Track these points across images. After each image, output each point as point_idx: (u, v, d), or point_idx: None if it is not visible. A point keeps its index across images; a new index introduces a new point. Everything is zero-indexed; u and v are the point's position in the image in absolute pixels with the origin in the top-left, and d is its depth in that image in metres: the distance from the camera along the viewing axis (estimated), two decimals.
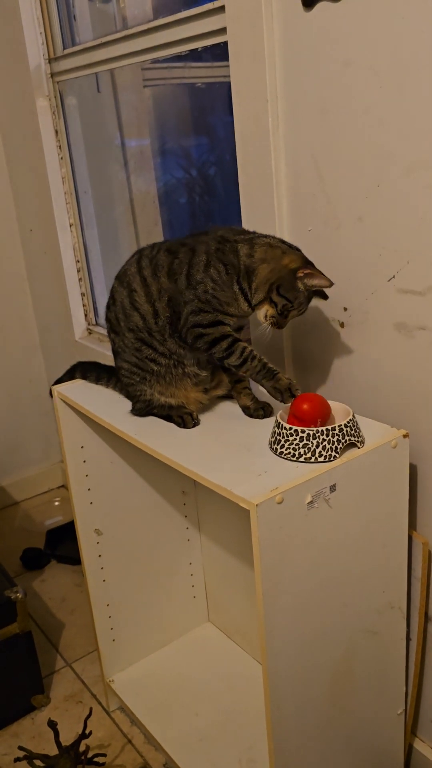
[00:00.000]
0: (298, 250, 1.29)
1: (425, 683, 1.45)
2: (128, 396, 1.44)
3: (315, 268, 1.26)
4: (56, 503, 2.85)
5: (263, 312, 1.28)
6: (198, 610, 1.95)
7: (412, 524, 1.35)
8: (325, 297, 1.31)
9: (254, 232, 1.32)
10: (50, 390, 1.61)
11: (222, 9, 1.43)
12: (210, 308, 1.27)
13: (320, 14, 1.23)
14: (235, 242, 1.27)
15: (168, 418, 1.37)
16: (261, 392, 1.43)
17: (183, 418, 1.35)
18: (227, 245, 1.27)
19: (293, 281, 1.25)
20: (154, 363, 1.36)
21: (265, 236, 1.29)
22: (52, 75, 2.18)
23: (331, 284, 1.25)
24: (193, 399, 1.37)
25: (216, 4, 1.47)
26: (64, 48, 2.15)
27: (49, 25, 2.15)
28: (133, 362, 1.38)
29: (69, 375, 1.62)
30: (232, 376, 1.37)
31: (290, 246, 1.28)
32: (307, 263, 1.26)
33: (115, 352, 1.44)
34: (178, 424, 1.35)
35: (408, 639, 1.40)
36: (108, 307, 1.42)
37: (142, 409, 1.40)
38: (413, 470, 1.32)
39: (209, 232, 1.32)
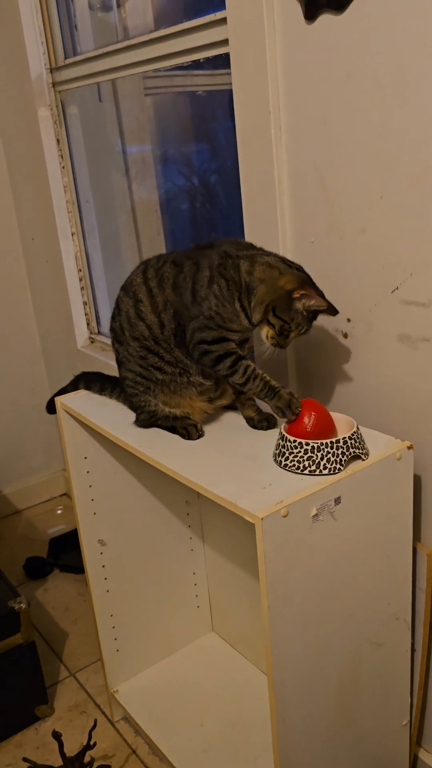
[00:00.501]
0: (299, 269, 1.27)
1: (430, 694, 1.45)
2: (132, 407, 1.44)
3: (312, 288, 1.25)
4: (59, 511, 2.85)
5: (264, 332, 1.28)
6: (202, 620, 1.94)
7: (417, 535, 1.35)
8: (333, 313, 1.29)
9: (258, 249, 1.31)
10: (48, 403, 1.61)
11: (224, 21, 1.43)
12: (214, 324, 1.27)
13: (322, 26, 1.23)
14: (237, 258, 1.27)
15: (172, 429, 1.37)
16: (262, 404, 1.43)
17: (187, 429, 1.35)
18: (229, 261, 1.27)
19: (289, 302, 1.24)
20: (160, 371, 1.36)
21: (267, 254, 1.28)
22: (54, 84, 2.19)
23: (327, 305, 1.24)
24: (197, 408, 1.37)
25: (218, 16, 1.47)
26: (66, 58, 2.16)
27: (51, 35, 2.16)
28: (137, 372, 1.38)
29: (73, 385, 1.62)
30: (236, 387, 1.36)
31: (290, 265, 1.27)
32: (304, 284, 1.24)
33: (119, 362, 1.43)
34: (183, 436, 1.35)
35: (413, 650, 1.40)
36: (113, 317, 1.42)
37: (146, 420, 1.40)
38: (417, 481, 1.32)
39: (214, 245, 1.32)
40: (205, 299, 1.27)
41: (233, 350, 1.28)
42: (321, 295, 1.25)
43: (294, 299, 1.24)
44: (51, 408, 1.60)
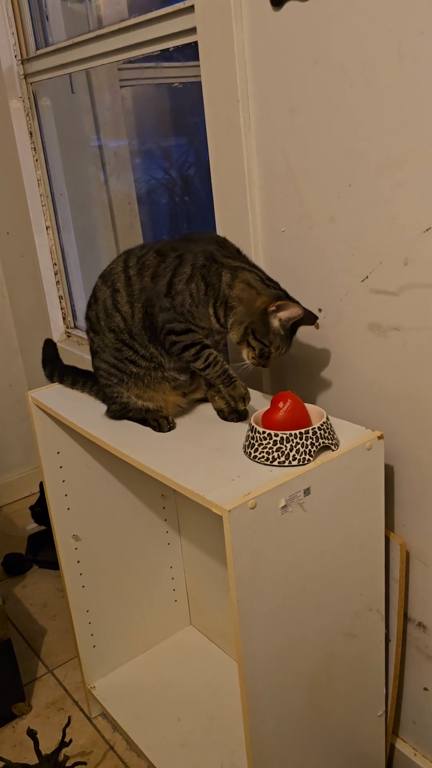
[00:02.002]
0: (276, 286, 1.26)
1: (405, 684, 1.45)
2: (104, 398, 1.42)
3: (286, 299, 1.24)
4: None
5: (245, 353, 1.27)
6: (179, 614, 1.94)
7: (389, 525, 1.35)
8: (312, 321, 1.29)
9: (243, 258, 1.29)
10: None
11: (192, 9, 1.41)
12: (183, 319, 1.26)
13: (289, 13, 1.22)
14: (221, 266, 1.25)
15: (143, 421, 1.36)
16: None
17: (158, 421, 1.33)
18: (213, 266, 1.25)
19: (266, 322, 1.23)
20: (134, 365, 1.34)
21: (250, 269, 1.26)
22: (26, 76, 2.16)
23: (303, 313, 1.23)
24: (171, 402, 1.36)
25: (186, 4, 1.46)
26: (37, 48, 2.13)
27: (21, 26, 2.13)
28: (111, 363, 1.36)
29: (47, 362, 1.67)
30: (198, 372, 1.35)
31: (268, 284, 1.25)
32: (279, 298, 1.23)
33: (94, 352, 1.41)
34: (154, 428, 1.33)
35: (387, 640, 1.39)
36: (89, 305, 1.40)
37: (117, 411, 1.39)
38: (389, 471, 1.31)
39: (201, 240, 1.30)
40: (180, 294, 1.25)
41: (199, 340, 1.28)
42: (297, 304, 1.24)
43: (270, 314, 1.23)
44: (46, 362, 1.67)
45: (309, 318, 1.27)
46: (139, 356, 1.33)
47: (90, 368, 1.47)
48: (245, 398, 1.29)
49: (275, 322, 1.23)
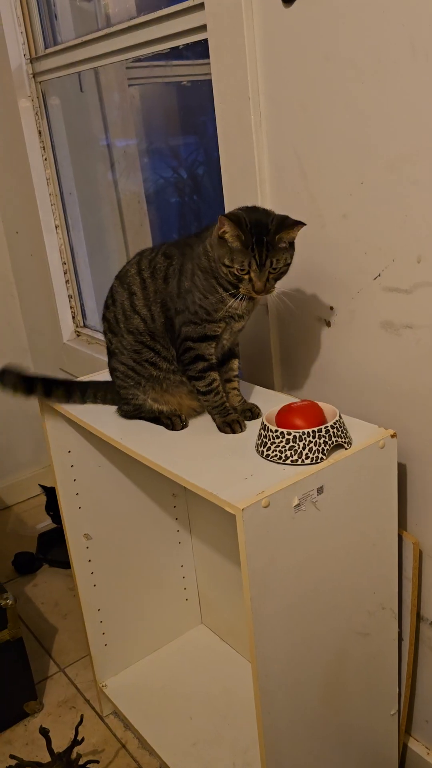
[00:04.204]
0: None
1: (419, 683, 1.44)
2: (117, 398, 1.42)
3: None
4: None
5: (237, 299, 1.20)
6: (190, 613, 1.93)
7: (402, 524, 1.34)
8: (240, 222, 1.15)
9: None
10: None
11: (202, 6, 1.41)
12: (198, 320, 1.24)
13: (300, 9, 1.21)
14: (205, 245, 1.23)
15: (156, 420, 1.36)
16: (246, 393, 1.42)
17: (171, 420, 1.33)
18: (202, 250, 1.23)
19: (224, 244, 1.16)
20: (154, 367, 1.33)
21: None
22: (34, 75, 2.16)
23: (226, 218, 1.13)
24: (186, 406, 1.36)
25: (196, 1, 1.45)
26: (46, 47, 2.13)
27: (30, 25, 2.13)
28: (129, 365, 1.36)
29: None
30: (222, 375, 1.35)
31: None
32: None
33: (111, 353, 1.40)
34: (167, 426, 1.33)
35: (400, 639, 1.39)
36: (107, 306, 1.39)
37: (130, 411, 1.39)
38: (402, 469, 1.31)
39: (202, 235, 1.28)
40: (189, 292, 1.25)
41: (210, 356, 1.27)
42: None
43: (221, 238, 1.16)
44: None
45: (237, 220, 1.14)
46: (161, 358, 1.32)
47: (101, 367, 1.47)
48: (233, 426, 1.27)
49: (230, 240, 1.15)
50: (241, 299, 1.20)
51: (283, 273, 1.20)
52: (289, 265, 1.20)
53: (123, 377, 1.37)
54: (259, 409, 1.33)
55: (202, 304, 1.24)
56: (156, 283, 1.30)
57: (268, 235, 1.15)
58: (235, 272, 1.17)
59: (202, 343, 1.26)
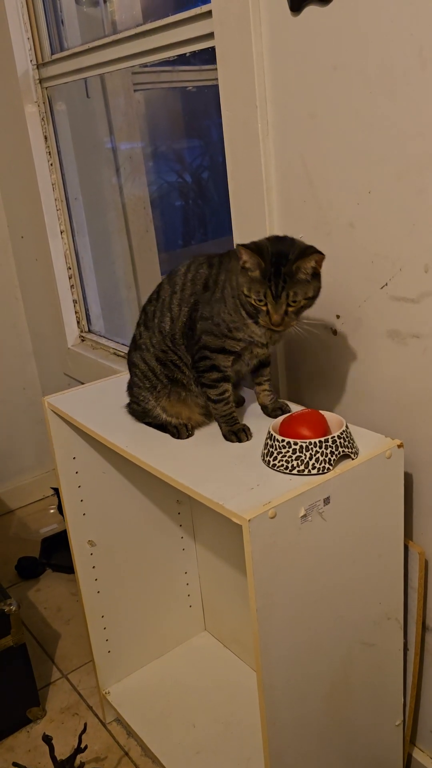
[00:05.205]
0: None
1: (423, 693, 1.44)
2: (129, 391, 1.40)
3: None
4: (51, 511, 2.83)
5: (258, 327, 1.20)
6: (194, 620, 1.93)
7: (408, 534, 1.34)
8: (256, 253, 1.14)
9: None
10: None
11: (209, 14, 1.41)
12: (219, 332, 1.23)
13: (308, 18, 1.21)
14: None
15: (162, 427, 1.35)
16: (250, 400, 1.42)
17: (178, 428, 1.33)
18: (235, 267, 1.21)
19: (246, 274, 1.15)
20: (179, 370, 1.32)
21: None
22: (41, 81, 2.16)
23: (244, 250, 1.12)
24: (194, 421, 1.35)
25: (204, 9, 1.45)
26: (52, 53, 2.13)
27: (37, 31, 2.13)
28: (151, 366, 1.34)
29: None
30: (254, 379, 1.35)
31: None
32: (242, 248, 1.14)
33: (137, 346, 1.37)
34: (173, 435, 1.33)
35: (405, 649, 1.38)
36: (150, 300, 1.36)
37: (138, 412, 1.38)
38: (408, 479, 1.30)
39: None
40: (218, 302, 1.23)
41: (225, 368, 1.26)
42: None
43: (243, 269, 1.15)
44: None
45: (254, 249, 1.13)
46: (183, 363, 1.32)
47: (106, 371, 1.47)
48: (239, 434, 1.27)
49: (249, 269, 1.15)
50: (261, 327, 1.19)
51: (305, 307, 1.16)
52: (311, 299, 1.16)
53: (141, 376, 1.36)
54: (290, 408, 1.35)
55: (225, 319, 1.22)
56: (194, 287, 1.28)
57: (285, 266, 1.12)
58: (253, 302, 1.15)
59: (220, 355, 1.25)
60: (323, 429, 1.16)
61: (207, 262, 1.30)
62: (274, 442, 1.15)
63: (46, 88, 2.17)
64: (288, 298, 1.13)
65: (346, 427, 1.16)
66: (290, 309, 1.14)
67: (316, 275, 1.15)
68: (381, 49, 1.11)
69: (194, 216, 2.69)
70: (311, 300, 1.16)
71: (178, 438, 1.32)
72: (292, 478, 1.11)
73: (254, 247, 1.13)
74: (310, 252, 1.13)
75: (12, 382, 2.76)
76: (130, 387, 1.41)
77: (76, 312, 2.42)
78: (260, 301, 1.14)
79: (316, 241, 1.32)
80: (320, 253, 1.13)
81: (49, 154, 2.24)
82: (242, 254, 1.14)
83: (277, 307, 1.13)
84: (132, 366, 1.40)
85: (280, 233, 1.41)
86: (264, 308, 1.14)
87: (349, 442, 1.15)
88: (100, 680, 1.78)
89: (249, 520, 1.00)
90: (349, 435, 1.16)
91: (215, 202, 2.49)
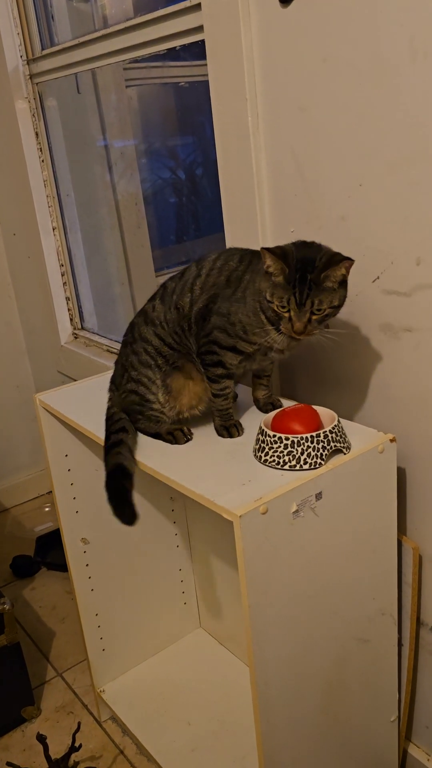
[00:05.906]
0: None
1: (419, 689, 1.43)
2: (122, 371, 1.35)
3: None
4: (46, 509, 2.82)
5: (278, 334, 1.16)
6: (189, 617, 1.92)
7: (402, 529, 1.33)
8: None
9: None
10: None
11: (198, 7, 1.40)
12: (233, 332, 1.20)
13: (297, 10, 1.20)
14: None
15: (157, 436, 1.32)
16: (244, 396, 1.41)
17: (174, 434, 1.29)
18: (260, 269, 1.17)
19: (268, 279, 1.12)
20: (189, 352, 1.28)
21: None
22: (31, 76, 2.15)
23: (267, 255, 1.10)
24: (186, 404, 1.31)
25: (193, 2, 1.44)
26: (43, 49, 2.12)
27: (27, 26, 2.12)
28: (156, 345, 1.28)
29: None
30: (256, 371, 1.33)
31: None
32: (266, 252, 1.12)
33: (149, 320, 1.30)
34: (170, 442, 1.29)
35: (400, 645, 1.38)
36: (173, 278, 1.32)
37: (135, 402, 1.31)
38: (402, 473, 1.30)
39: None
40: (238, 301, 1.20)
41: (230, 365, 1.24)
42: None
43: (267, 273, 1.13)
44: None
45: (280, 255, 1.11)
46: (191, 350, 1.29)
47: (99, 369, 1.46)
48: (231, 430, 1.27)
49: (274, 274, 1.12)
50: (281, 334, 1.15)
51: (329, 315, 1.13)
52: (336, 308, 1.13)
53: (152, 353, 1.29)
54: (281, 403, 1.34)
55: (243, 320, 1.19)
56: (219, 278, 1.24)
57: (313, 273, 1.09)
58: (275, 308, 1.12)
59: (229, 353, 1.23)
60: (315, 424, 1.15)
61: (239, 256, 1.25)
62: (265, 437, 1.14)
63: (37, 83, 2.15)
64: (312, 306, 1.10)
65: (338, 421, 1.15)
66: (314, 317, 1.11)
67: (342, 283, 1.12)
68: (371, 40, 1.10)
69: (188, 212, 2.68)
70: (336, 309, 1.13)
71: (175, 444, 1.29)
72: (283, 474, 1.10)
73: (278, 252, 1.10)
74: (339, 259, 1.10)
75: (5, 380, 2.75)
76: (122, 366, 1.34)
77: (69, 309, 2.41)
78: (283, 307, 1.11)
79: (307, 235, 1.32)
80: (349, 259, 1.10)
81: (41, 150, 2.23)
82: (266, 258, 1.11)
83: (301, 315, 1.10)
84: (135, 343, 1.32)
85: (272, 228, 1.41)
86: (286, 315, 1.12)
87: (341, 437, 1.14)
88: (94, 678, 1.77)
89: (240, 516, 0.99)
90: (341, 430, 1.15)
91: (209, 198, 2.48)
